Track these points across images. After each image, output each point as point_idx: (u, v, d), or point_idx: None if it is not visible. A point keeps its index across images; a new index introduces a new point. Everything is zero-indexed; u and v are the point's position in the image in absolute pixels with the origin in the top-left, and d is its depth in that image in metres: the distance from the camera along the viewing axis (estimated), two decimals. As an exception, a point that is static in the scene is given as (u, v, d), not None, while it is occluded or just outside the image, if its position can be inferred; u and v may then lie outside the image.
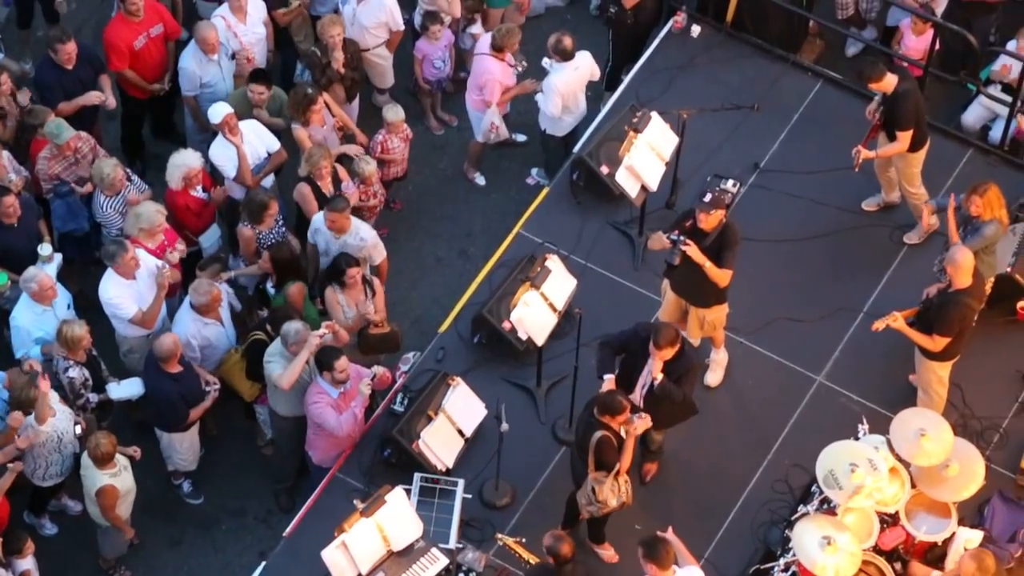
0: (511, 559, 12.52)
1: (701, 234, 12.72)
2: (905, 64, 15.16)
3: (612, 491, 12.10)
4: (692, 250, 12.66)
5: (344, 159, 14.78)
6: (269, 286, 13.79)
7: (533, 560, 12.21)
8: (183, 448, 13.50)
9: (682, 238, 12.68)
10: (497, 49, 14.82)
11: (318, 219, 13.79)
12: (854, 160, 13.75)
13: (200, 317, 13.30)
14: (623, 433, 12.10)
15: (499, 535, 12.49)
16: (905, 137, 13.65)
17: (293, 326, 12.93)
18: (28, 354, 13.19)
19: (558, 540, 11.58)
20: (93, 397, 13.13)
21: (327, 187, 14.13)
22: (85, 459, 12.64)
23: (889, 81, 13.54)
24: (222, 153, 14.22)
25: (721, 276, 12.86)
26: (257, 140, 14.33)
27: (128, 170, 14.20)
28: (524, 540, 12.46)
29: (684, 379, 12.40)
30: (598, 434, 12.00)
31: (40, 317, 13.22)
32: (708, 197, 12.68)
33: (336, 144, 14.81)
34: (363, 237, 13.80)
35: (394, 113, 14.80)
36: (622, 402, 11.99)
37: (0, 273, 13.49)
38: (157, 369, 12.92)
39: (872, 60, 13.92)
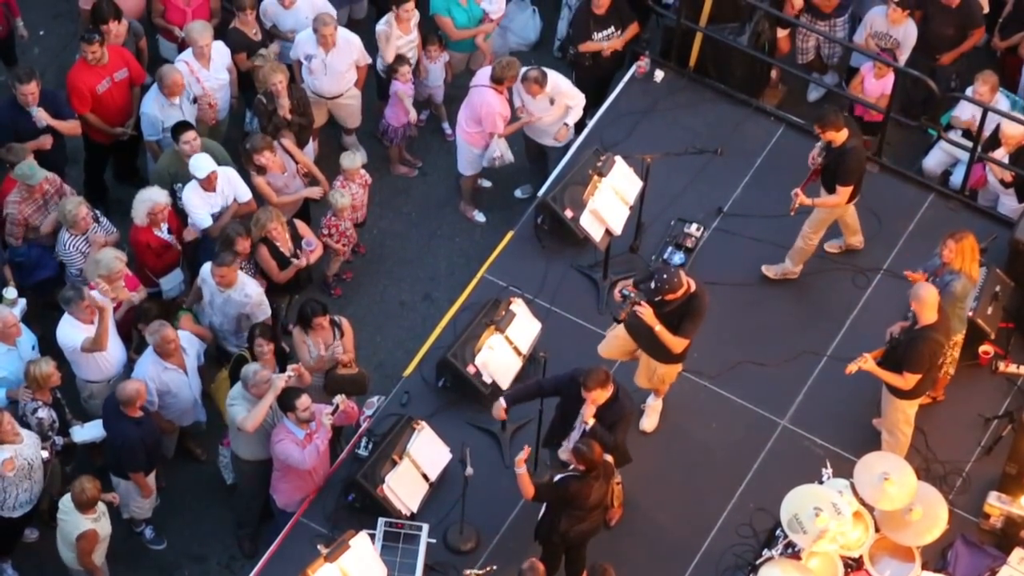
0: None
1: (664, 301, 12.67)
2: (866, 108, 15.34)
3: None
4: (646, 312, 12.57)
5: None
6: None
7: None
8: (140, 496, 13.42)
9: (633, 295, 12.63)
10: (496, 81, 14.87)
11: (205, 270, 13.74)
12: (791, 203, 13.81)
13: (160, 360, 13.23)
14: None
15: (467, 571, 12.42)
16: (845, 192, 13.73)
17: (251, 367, 12.90)
18: (-8, 394, 13.20)
19: (532, 570, 11.67)
20: (59, 440, 13.07)
21: (286, 246, 14.08)
22: (66, 504, 12.56)
23: (842, 134, 13.61)
24: (193, 200, 14.19)
25: (674, 343, 12.78)
26: (229, 188, 14.29)
27: (96, 211, 14.16)
28: (495, 567, 12.41)
29: (617, 426, 12.34)
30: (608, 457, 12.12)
31: (4, 356, 13.18)
32: (653, 284, 12.55)
33: (300, 190, 14.79)
34: (248, 294, 13.72)
35: (350, 161, 14.83)
36: (597, 448, 11.98)
37: None
38: (118, 413, 12.86)
39: (834, 109, 13.97)
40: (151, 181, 14.53)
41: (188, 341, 13.47)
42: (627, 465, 12.78)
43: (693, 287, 12.66)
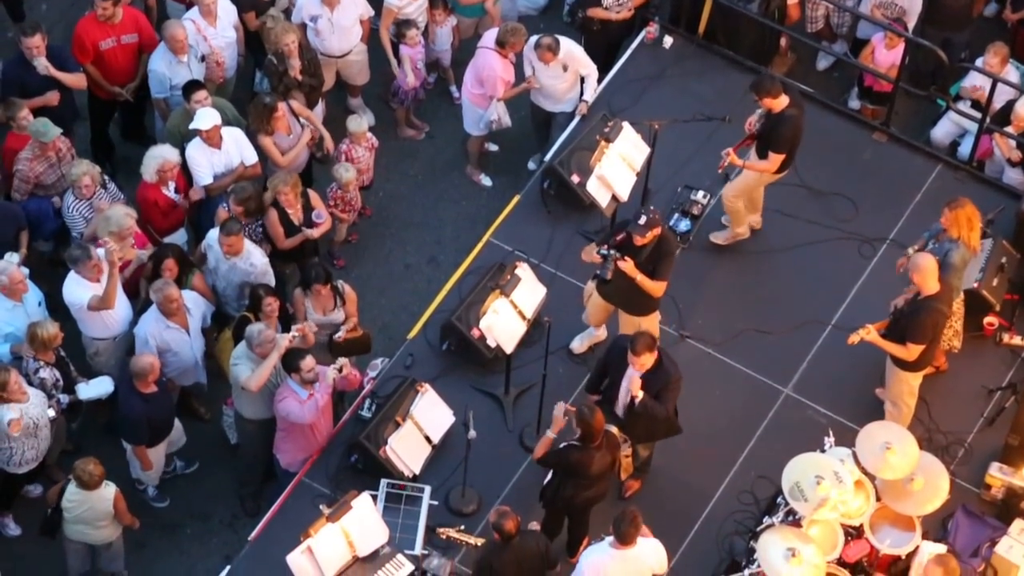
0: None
1: (635, 248, 12.72)
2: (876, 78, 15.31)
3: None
4: (627, 266, 12.67)
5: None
6: None
7: (479, 543, 12.18)
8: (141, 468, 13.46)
9: (613, 253, 12.67)
10: (500, 45, 14.83)
11: (212, 236, 13.73)
12: (721, 160, 13.77)
13: (163, 318, 13.23)
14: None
15: (440, 528, 12.46)
16: (776, 160, 13.71)
17: (256, 327, 12.91)
18: (-3, 350, 13.22)
19: (503, 516, 11.64)
20: (64, 398, 13.08)
21: (296, 214, 14.05)
22: (75, 495, 12.54)
23: (780, 101, 13.58)
24: (196, 157, 14.16)
25: (655, 288, 12.87)
26: (235, 149, 14.27)
27: (105, 176, 14.13)
28: (463, 527, 12.47)
29: (664, 394, 12.35)
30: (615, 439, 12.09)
31: (10, 312, 13.19)
32: (643, 219, 12.63)
33: (305, 158, 14.75)
34: (253, 263, 13.71)
35: (356, 124, 14.80)
36: (598, 414, 11.98)
37: None
38: (130, 385, 12.89)
39: (771, 76, 13.93)
40: (161, 140, 14.51)
41: (194, 302, 13.47)
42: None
43: (659, 228, 12.77)
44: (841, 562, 12.32)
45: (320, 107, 15.27)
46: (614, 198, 14.26)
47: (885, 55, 15.44)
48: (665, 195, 14.79)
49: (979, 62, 15.02)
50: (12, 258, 13.38)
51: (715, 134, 15.18)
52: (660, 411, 12.29)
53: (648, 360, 12.20)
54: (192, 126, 14.02)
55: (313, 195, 14.28)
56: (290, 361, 12.77)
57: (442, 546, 12.78)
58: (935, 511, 12.46)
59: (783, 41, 16.20)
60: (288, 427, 12.99)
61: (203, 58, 14.85)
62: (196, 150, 14.15)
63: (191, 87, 14.24)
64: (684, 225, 14.64)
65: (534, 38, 14.86)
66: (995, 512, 13.06)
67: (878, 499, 12.46)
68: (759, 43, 15.88)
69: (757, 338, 14.05)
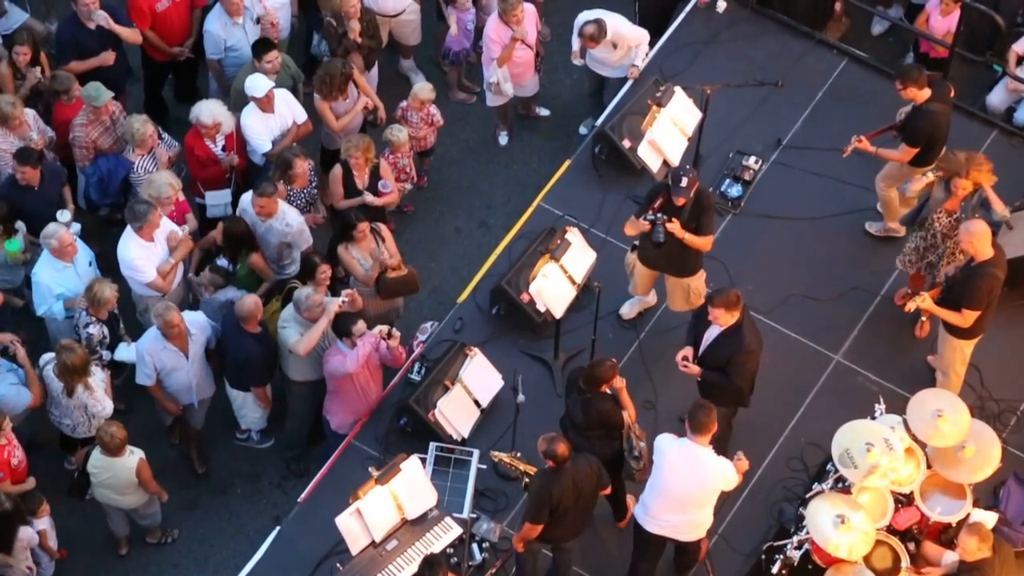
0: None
1: (676, 209, 12.71)
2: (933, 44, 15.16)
3: (637, 437, 12.24)
4: (675, 227, 12.67)
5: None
6: (221, 262, 13.64)
7: (531, 471, 12.18)
8: (259, 407, 13.53)
9: (661, 216, 12.66)
10: (499, 15, 14.82)
11: (246, 200, 13.71)
12: (849, 144, 13.61)
13: (162, 339, 12.98)
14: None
15: (493, 452, 12.46)
16: (908, 152, 13.55)
17: (304, 291, 12.94)
18: (51, 310, 13.26)
19: (552, 441, 11.59)
20: (107, 355, 13.16)
21: (362, 179, 14.06)
22: (99, 461, 12.59)
23: (923, 93, 13.36)
24: (253, 125, 14.17)
25: (704, 243, 12.91)
26: (286, 110, 14.29)
27: (159, 127, 14.19)
28: (519, 454, 12.49)
29: (733, 362, 12.22)
30: (607, 406, 12.09)
31: (61, 273, 13.25)
32: (684, 181, 12.58)
33: (359, 122, 14.73)
34: (288, 223, 13.70)
35: (426, 92, 14.70)
36: (605, 369, 12.01)
37: (12, 240, 13.48)
38: (239, 330, 12.94)
39: (918, 67, 13.67)
40: (232, 98, 14.52)
41: (199, 327, 13.20)
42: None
43: (697, 184, 12.78)
44: (891, 529, 12.27)
45: (374, 71, 15.27)
46: (665, 163, 14.21)
47: (940, 22, 15.30)
48: (717, 160, 14.73)
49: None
50: (63, 216, 13.46)
51: (768, 99, 15.11)
52: (721, 381, 12.24)
53: (721, 316, 12.14)
54: (248, 91, 14.04)
55: (384, 165, 14.23)
56: (342, 326, 12.80)
57: (491, 510, 12.82)
58: (986, 479, 12.37)
59: (838, 5, 16.11)
60: (337, 387, 13.03)
61: (258, 20, 14.88)
62: (251, 118, 14.16)
63: (263, 47, 14.23)
64: (735, 191, 14.59)
65: (580, 21, 14.72)
66: (1047, 481, 13.00)
67: (929, 467, 12.40)
68: (814, 7, 15.80)
69: (807, 304, 13.99)
